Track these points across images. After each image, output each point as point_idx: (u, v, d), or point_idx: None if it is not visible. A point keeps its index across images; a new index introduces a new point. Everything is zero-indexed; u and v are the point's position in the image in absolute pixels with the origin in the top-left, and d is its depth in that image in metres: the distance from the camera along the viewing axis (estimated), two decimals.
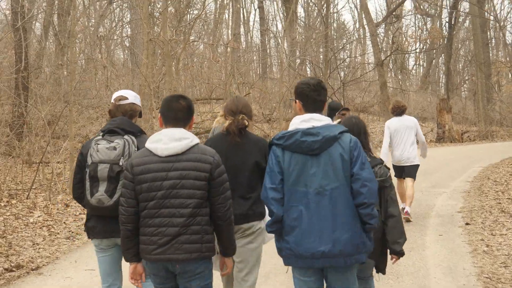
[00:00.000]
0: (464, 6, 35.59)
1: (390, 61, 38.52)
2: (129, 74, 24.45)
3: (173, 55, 18.47)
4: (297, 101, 3.75)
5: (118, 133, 4.05)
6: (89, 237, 4.22)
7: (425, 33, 43.37)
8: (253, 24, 45.82)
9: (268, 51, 40.01)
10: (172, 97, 3.69)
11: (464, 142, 28.19)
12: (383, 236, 4.23)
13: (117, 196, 3.85)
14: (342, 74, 31.81)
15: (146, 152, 3.56)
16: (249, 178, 4.25)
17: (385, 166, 4.37)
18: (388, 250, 4.34)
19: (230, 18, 37.76)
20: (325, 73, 27.53)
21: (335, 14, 42.21)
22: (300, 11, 41.86)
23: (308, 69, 37.45)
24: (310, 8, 40.48)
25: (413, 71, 52.81)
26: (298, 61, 34.89)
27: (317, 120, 3.59)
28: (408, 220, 8.73)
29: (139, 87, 19.12)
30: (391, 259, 4.33)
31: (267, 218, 3.81)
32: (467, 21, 44.77)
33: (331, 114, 7.84)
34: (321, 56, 35.31)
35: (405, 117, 9.33)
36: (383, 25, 36.13)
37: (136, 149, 3.98)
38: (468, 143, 27.28)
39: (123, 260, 3.91)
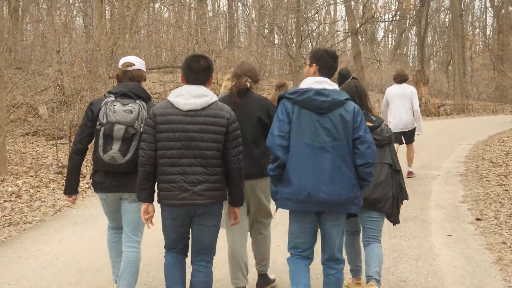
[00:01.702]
0: None
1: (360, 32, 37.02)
2: (82, 38, 22.24)
3: (128, 17, 16.46)
4: (313, 64, 4.02)
5: (130, 97, 4.22)
6: (95, 191, 4.38)
7: (395, 3, 42.08)
8: None
9: (235, 19, 38.20)
10: (193, 57, 3.93)
11: (441, 115, 26.90)
12: (394, 191, 4.48)
13: (129, 156, 4.13)
14: (313, 43, 29.95)
15: (169, 104, 3.81)
16: (253, 135, 4.48)
17: (386, 124, 4.68)
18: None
19: None
20: (297, 41, 25.68)
21: None
22: None
23: (277, 38, 35.75)
24: None
25: (382, 43, 51.35)
26: (267, 29, 33.16)
27: (329, 84, 3.90)
28: (409, 177, 9.73)
29: (91, 52, 17.16)
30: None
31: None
32: None
33: (341, 81, 7.58)
34: (291, 24, 33.64)
35: (405, 85, 9.93)
36: None
37: (146, 113, 4.16)
38: (445, 117, 25.99)
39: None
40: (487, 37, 48.29)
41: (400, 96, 9.72)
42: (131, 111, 4.15)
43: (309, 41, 29.99)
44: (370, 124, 4.42)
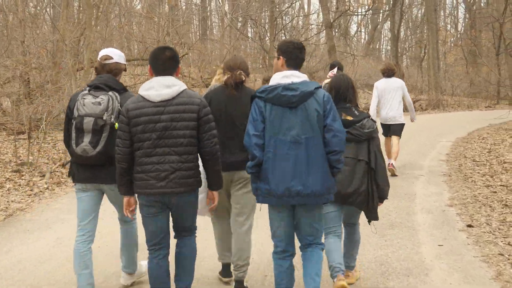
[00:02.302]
0: None
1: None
2: (47, 27, 21.29)
3: (96, 5, 15.65)
4: (280, 57, 4.06)
5: (103, 89, 4.30)
6: (73, 181, 4.45)
7: None
8: None
9: (208, 11, 37.47)
10: (158, 49, 4.06)
11: (416, 111, 26.53)
12: (367, 187, 4.48)
13: (100, 148, 4.21)
14: (288, 36, 29.31)
15: (140, 98, 3.91)
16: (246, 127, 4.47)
17: (371, 119, 4.59)
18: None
19: None
20: (271, 34, 25.06)
21: None
22: None
23: (250, 32, 35.09)
24: None
25: (355, 38, 51.05)
26: (240, 22, 32.48)
27: (296, 76, 3.94)
28: (393, 174, 9.48)
29: (57, 42, 16.32)
30: (378, 204, 4.64)
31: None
32: None
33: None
34: (265, 18, 33.02)
35: (393, 79, 9.98)
36: None
37: (119, 105, 4.23)
38: (421, 113, 25.63)
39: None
40: (459, 32, 48.45)
41: (390, 89, 9.81)
42: (99, 103, 4.21)
43: (283, 34, 29.37)
44: (350, 118, 4.50)
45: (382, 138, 9.97)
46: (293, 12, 35.68)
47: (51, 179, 9.41)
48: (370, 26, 48.11)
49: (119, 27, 25.57)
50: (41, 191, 8.65)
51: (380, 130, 9.26)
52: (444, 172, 9.95)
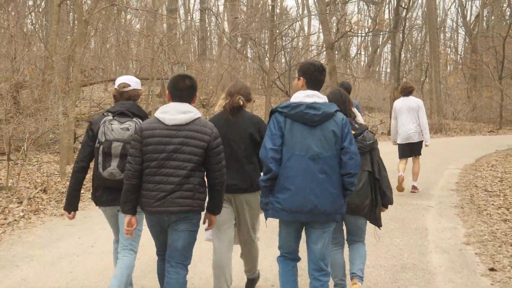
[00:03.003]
0: None
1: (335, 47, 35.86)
2: (39, 44, 20.65)
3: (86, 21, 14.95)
4: (301, 78, 4.17)
5: (127, 115, 4.46)
6: (97, 205, 4.61)
7: (366, 20, 41.34)
8: (193, 4, 42.60)
9: (208, 31, 36.97)
10: (178, 76, 4.20)
11: None
12: (372, 197, 4.64)
13: None
14: (287, 58, 28.70)
15: (155, 120, 4.06)
16: (245, 151, 4.68)
17: (370, 131, 4.75)
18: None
19: None
20: (270, 54, 24.43)
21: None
22: None
23: (250, 52, 34.53)
24: None
25: (355, 60, 50.56)
26: (240, 43, 31.90)
27: (318, 97, 4.05)
28: (413, 191, 9.97)
29: (46, 59, 15.65)
30: (382, 210, 4.83)
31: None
32: (412, 11, 43.29)
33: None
34: (264, 38, 32.46)
35: (411, 98, 9.96)
36: (328, 11, 33.28)
37: None
38: None
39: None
40: (460, 55, 47.98)
41: (407, 109, 9.83)
42: (127, 129, 4.36)
43: (283, 55, 28.78)
44: (353, 132, 4.50)
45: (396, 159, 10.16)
46: (293, 33, 35.16)
47: (29, 206, 8.66)
48: (370, 48, 47.72)
49: (116, 46, 25.06)
50: (15, 220, 7.91)
51: (396, 152, 10.11)
52: (456, 203, 9.20)
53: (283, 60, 32.36)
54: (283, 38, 28.03)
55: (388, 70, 52.10)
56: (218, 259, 4.71)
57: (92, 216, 8.48)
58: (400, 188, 9.77)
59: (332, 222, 4.06)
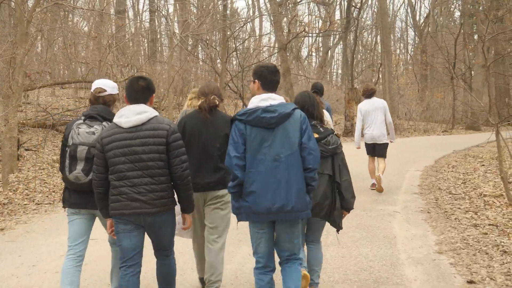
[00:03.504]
0: None
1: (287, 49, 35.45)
2: None
3: (34, 24, 14.06)
4: (256, 81, 4.28)
5: (97, 119, 4.51)
6: (63, 206, 4.59)
7: (317, 21, 41.25)
8: (143, 6, 41.66)
9: (158, 35, 36.18)
10: (132, 78, 4.24)
11: None
12: (331, 200, 4.66)
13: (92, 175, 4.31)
14: (239, 59, 28.14)
15: (113, 125, 4.12)
16: (219, 150, 4.76)
17: (336, 135, 4.81)
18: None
19: None
20: (223, 55, 23.84)
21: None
22: None
23: (201, 53, 33.89)
24: None
25: (306, 61, 50.47)
26: (190, 45, 31.20)
27: (273, 99, 4.14)
28: (379, 190, 9.95)
29: None
30: (343, 215, 4.83)
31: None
32: (363, 12, 43.45)
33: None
34: (216, 39, 31.87)
35: (375, 99, 10.31)
36: (280, 11, 32.90)
37: None
38: None
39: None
40: (410, 55, 48.40)
41: (373, 110, 10.14)
42: (93, 133, 4.40)
43: (236, 57, 28.24)
44: (316, 136, 4.56)
45: (366, 158, 10.57)
46: (244, 35, 34.56)
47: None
48: (321, 50, 47.69)
49: (63, 49, 24.13)
50: None
51: (364, 150, 10.51)
52: (421, 207, 8.81)
53: (235, 62, 31.91)
54: (235, 40, 27.51)
55: (340, 71, 52.34)
56: (198, 249, 5.06)
57: (36, 230, 7.76)
58: (380, 189, 9.97)
59: (299, 219, 4.16)
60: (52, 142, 17.27)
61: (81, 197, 4.46)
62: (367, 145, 10.35)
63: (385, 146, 10.22)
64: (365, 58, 48.32)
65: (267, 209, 4.00)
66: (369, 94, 10.31)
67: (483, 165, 12.88)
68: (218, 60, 27.14)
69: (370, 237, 7.04)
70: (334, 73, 55.53)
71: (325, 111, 9.61)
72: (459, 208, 8.63)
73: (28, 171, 12.61)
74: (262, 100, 4.13)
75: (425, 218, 8.07)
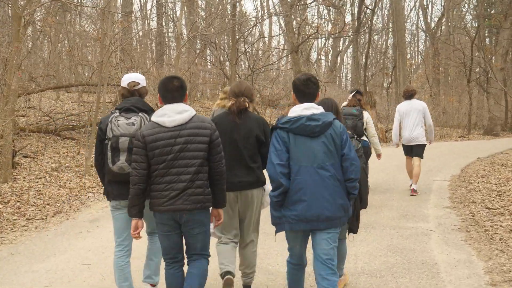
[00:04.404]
0: None
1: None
2: None
3: (29, 20, 13.17)
4: (293, 93, 4.39)
5: (133, 110, 4.64)
6: (108, 199, 4.75)
7: (326, 25, 40.34)
8: (151, 9, 40.71)
9: (166, 38, 35.42)
10: (166, 79, 4.29)
11: (389, 142, 24.72)
12: (355, 203, 4.84)
13: None
14: (250, 62, 27.20)
15: (154, 124, 4.16)
16: (251, 150, 4.87)
17: (356, 139, 5.06)
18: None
19: None
20: (232, 57, 22.90)
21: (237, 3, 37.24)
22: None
23: (210, 56, 33.02)
24: None
25: (315, 65, 49.51)
26: (198, 47, 30.34)
27: (315, 108, 4.21)
28: (412, 194, 10.04)
29: None
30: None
31: (266, 187, 4.89)
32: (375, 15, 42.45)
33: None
34: (225, 41, 31.00)
35: (414, 100, 10.35)
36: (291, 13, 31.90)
37: None
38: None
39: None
40: (422, 58, 47.26)
41: (412, 111, 10.19)
42: (133, 124, 4.53)
43: (246, 59, 27.34)
44: None
45: (403, 158, 10.71)
46: (252, 39, 33.54)
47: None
48: (331, 53, 46.73)
49: (67, 51, 23.34)
50: None
51: (402, 150, 10.76)
52: (458, 225, 7.80)
53: (243, 66, 31.02)
54: (245, 42, 26.59)
55: (349, 75, 51.29)
56: (225, 257, 4.94)
57: (21, 252, 6.85)
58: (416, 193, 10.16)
59: (339, 225, 4.20)
60: (53, 149, 16.37)
61: (124, 188, 4.51)
62: (404, 146, 10.44)
63: (422, 146, 10.28)
64: (376, 61, 47.27)
65: (315, 216, 4.07)
66: (409, 95, 10.38)
67: None
68: (227, 63, 26.25)
69: (406, 263, 6.05)
70: (344, 77, 54.51)
71: (369, 117, 9.24)
72: (501, 226, 7.63)
73: (24, 180, 11.69)
74: (304, 109, 4.17)
75: (465, 239, 7.07)
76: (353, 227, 5.01)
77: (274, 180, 4.10)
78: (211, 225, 4.51)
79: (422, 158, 10.33)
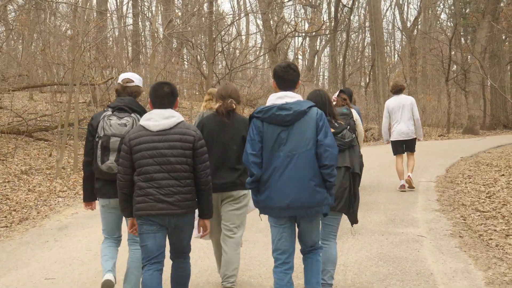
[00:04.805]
0: None
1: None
2: None
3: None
4: (273, 80, 4.43)
5: (126, 111, 4.66)
6: (97, 197, 4.79)
7: (302, 24, 39.95)
8: (127, 8, 39.87)
9: (141, 37, 34.77)
10: (157, 84, 4.33)
11: (369, 141, 24.44)
12: (349, 192, 4.76)
13: None
14: (227, 60, 26.67)
15: (140, 128, 4.21)
16: (237, 152, 4.93)
17: (349, 130, 4.93)
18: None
19: None
20: (209, 55, 22.35)
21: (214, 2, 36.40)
22: None
23: (186, 54, 32.44)
24: None
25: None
26: (175, 45, 29.79)
27: (290, 97, 4.23)
28: (410, 186, 10.24)
29: None
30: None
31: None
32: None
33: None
34: (201, 40, 30.45)
35: (402, 96, 10.43)
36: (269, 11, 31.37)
37: None
38: (375, 143, 23.55)
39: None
40: (399, 57, 47.15)
41: (401, 106, 10.23)
42: (125, 124, 4.56)
43: (223, 58, 26.79)
44: (332, 130, 4.58)
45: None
46: (229, 38, 32.93)
47: None
48: (308, 52, 46.38)
49: (40, 50, 22.66)
50: None
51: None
52: (450, 230, 7.40)
53: (220, 66, 30.51)
54: (222, 40, 26.05)
55: (326, 74, 50.94)
56: (216, 247, 5.16)
57: None
58: (412, 186, 10.31)
59: (317, 213, 4.25)
60: (25, 150, 15.72)
61: (112, 187, 4.50)
62: (394, 143, 10.40)
63: (413, 141, 10.32)
64: (354, 60, 47.03)
65: (280, 204, 4.14)
66: (397, 90, 10.44)
67: (503, 175, 11.50)
68: (204, 62, 25.71)
69: (400, 274, 5.61)
70: (321, 76, 54.21)
71: (357, 115, 9.21)
72: (495, 231, 7.25)
73: None
74: (278, 98, 4.22)
75: (459, 245, 6.66)
76: (351, 218, 4.91)
77: (248, 168, 4.23)
78: (195, 231, 4.57)
79: (414, 151, 10.46)
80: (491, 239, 6.87)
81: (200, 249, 6.49)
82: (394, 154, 10.55)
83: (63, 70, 22.60)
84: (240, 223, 5.07)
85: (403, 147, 10.37)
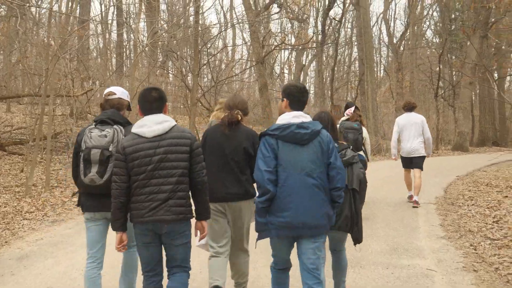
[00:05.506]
0: (336, 11, 31.74)
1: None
2: None
3: None
4: (284, 99, 4.41)
5: (108, 123, 4.64)
6: (83, 211, 4.69)
7: (289, 38, 39.33)
8: (112, 18, 38.98)
9: (127, 50, 33.98)
10: (145, 90, 4.32)
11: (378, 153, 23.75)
12: (351, 212, 4.67)
13: (107, 177, 4.41)
14: (213, 74, 25.84)
15: (134, 135, 4.17)
16: (240, 163, 4.91)
17: (351, 149, 4.88)
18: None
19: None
20: (195, 67, 21.50)
21: (200, 15, 35.43)
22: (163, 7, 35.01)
23: (171, 67, 31.59)
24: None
25: (278, 80, 48.41)
26: (160, 57, 28.94)
27: (305, 117, 4.31)
28: (415, 206, 10.19)
29: None
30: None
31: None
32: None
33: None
34: (187, 52, 29.60)
35: (413, 113, 10.57)
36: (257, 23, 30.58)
37: (123, 136, 4.50)
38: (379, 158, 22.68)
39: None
40: (386, 72, 46.70)
41: (411, 124, 10.36)
42: (105, 136, 4.51)
43: (208, 70, 25.98)
44: None
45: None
46: (214, 51, 32.05)
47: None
48: (294, 66, 45.77)
49: (18, 59, 21.84)
50: None
51: (400, 163, 10.92)
52: (462, 262, 6.57)
53: (205, 79, 29.69)
54: (207, 53, 25.23)
55: (312, 89, 50.28)
56: (216, 271, 4.89)
57: None
58: (418, 205, 10.26)
59: (324, 233, 4.28)
60: None
61: (96, 200, 4.51)
62: (403, 158, 10.59)
63: (422, 158, 10.41)
64: (341, 76, 46.52)
65: (301, 223, 4.10)
66: (409, 108, 10.52)
67: (506, 196, 10.76)
68: (189, 75, 24.87)
69: None
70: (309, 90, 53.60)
71: (366, 132, 8.92)
72: (511, 263, 6.44)
73: None
74: (294, 117, 4.26)
75: (475, 282, 5.84)
76: (358, 237, 4.79)
77: (261, 186, 4.14)
78: (197, 239, 4.51)
79: (422, 169, 10.40)
80: (509, 273, 6.06)
81: (199, 263, 6.31)
82: (404, 167, 10.82)
83: (39, 80, 21.74)
84: (246, 231, 5.13)
85: (412, 163, 10.48)
